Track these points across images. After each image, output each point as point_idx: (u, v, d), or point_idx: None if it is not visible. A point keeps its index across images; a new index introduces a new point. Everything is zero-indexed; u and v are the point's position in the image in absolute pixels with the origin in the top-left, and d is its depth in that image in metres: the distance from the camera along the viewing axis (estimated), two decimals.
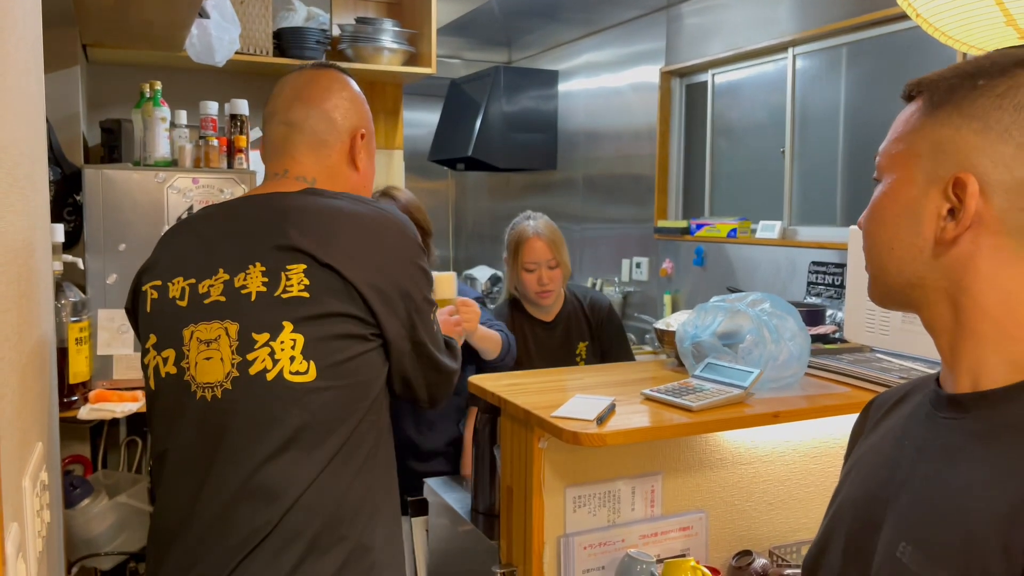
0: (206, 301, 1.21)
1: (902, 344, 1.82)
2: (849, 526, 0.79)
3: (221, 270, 1.22)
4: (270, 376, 1.18)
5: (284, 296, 1.19)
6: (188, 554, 1.18)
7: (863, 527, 0.77)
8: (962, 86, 0.73)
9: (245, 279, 1.21)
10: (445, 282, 1.79)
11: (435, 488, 1.97)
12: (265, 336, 1.18)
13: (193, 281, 1.23)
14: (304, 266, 1.20)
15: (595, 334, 2.54)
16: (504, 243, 2.62)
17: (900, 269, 0.76)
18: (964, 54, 2.46)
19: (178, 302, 1.23)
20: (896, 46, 2.93)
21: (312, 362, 1.18)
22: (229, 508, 1.17)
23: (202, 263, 1.24)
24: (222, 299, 1.21)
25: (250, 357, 1.18)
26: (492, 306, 2.66)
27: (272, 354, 1.18)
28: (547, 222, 2.55)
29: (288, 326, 1.18)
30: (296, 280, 1.20)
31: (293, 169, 1.34)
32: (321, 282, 1.20)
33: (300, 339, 1.18)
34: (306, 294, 1.19)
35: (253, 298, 1.19)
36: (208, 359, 1.19)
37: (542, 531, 1.53)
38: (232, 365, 1.18)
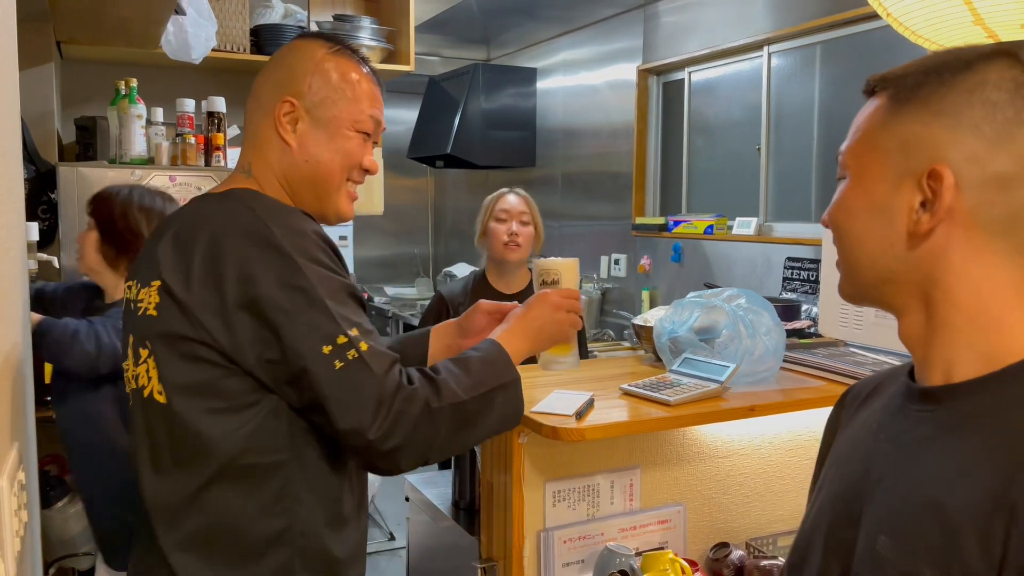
0: (132, 308, 1.17)
1: (875, 338, 1.85)
2: (829, 521, 0.80)
3: (135, 279, 1.17)
4: (145, 393, 1.12)
5: (148, 313, 1.11)
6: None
7: (842, 522, 0.77)
8: (927, 82, 0.73)
9: (141, 292, 1.15)
10: (567, 271, 1.40)
11: (415, 484, 1.98)
12: (143, 352, 1.13)
13: (132, 284, 1.19)
14: (159, 282, 1.10)
15: None
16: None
17: (872, 263, 0.76)
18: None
19: (130, 305, 1.19)
20: (869, 45, 2.97)
21: (163, 384, 1.10)
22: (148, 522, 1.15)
23: (137, 268, 1.19)
24: (132, 309, 1.16)
25: (139, 371, 1.14)
26: (442, 291, 2.64)
27: (148, 371, 1.12)
28: (526, 192, 2.63)
29: (149, 345, 1.11)
30: (150, 297, 1.11)
31: (241, 159, 1.24)
32: (164, 300, 1.09)
33: (153, 360, 1.11)
34: (154, 312, 1.10)
35: (140, 312, 1.13)
36: (135, 370, 1.16)
37: (522, 525, 1.54)
38: (133, 378, 1.15)
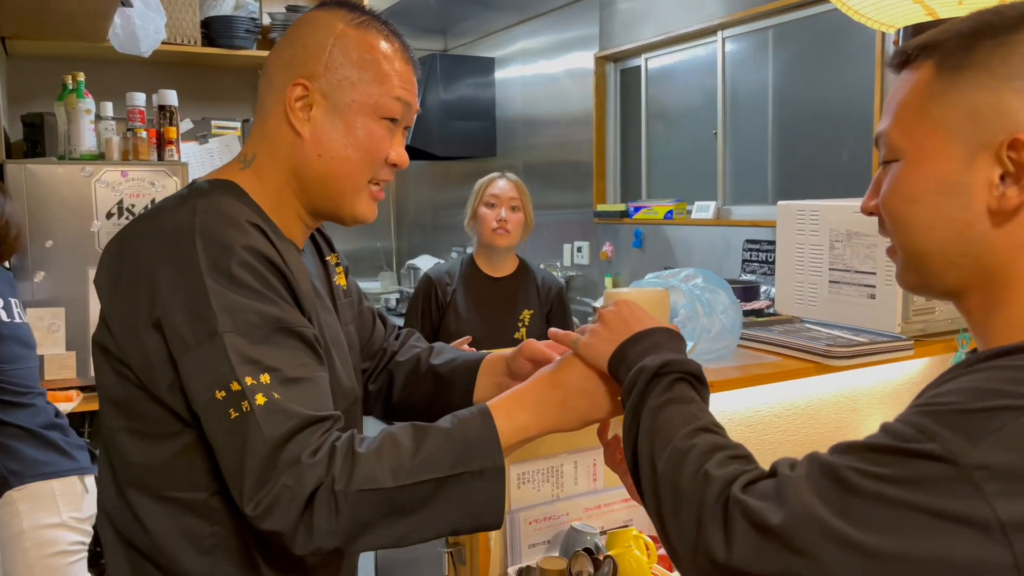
0: None
1: (828, 314, 1.88)
2: None
3: None
4: None
5: None
6: None
7: None
8: (980, 45, 0.68)
9: None
10: (656, 303, 1.15)
11: None
12: None
13: None
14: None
15: (543, 310, 2.57)
16: (450, 230, 2.65)
17: (943, 249, 0.71)
18: (883, 33, 2.55)
19: None
20: (819, 28, 3.01)
21: (99, 391, 1.01)
22: None
23: None
24: None
25: None
26: (432, 272, 2.62)
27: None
28: (517, 177, 2.62)
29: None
30: None
31: (245, 147, 1.08)
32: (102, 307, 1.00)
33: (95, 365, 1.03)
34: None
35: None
36: None
37: None
38: None
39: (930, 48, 0.71)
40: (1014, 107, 0.66)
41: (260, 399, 0.85)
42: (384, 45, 1.03)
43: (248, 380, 0.85)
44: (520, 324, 2.51)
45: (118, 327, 0.93)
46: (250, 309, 0.88)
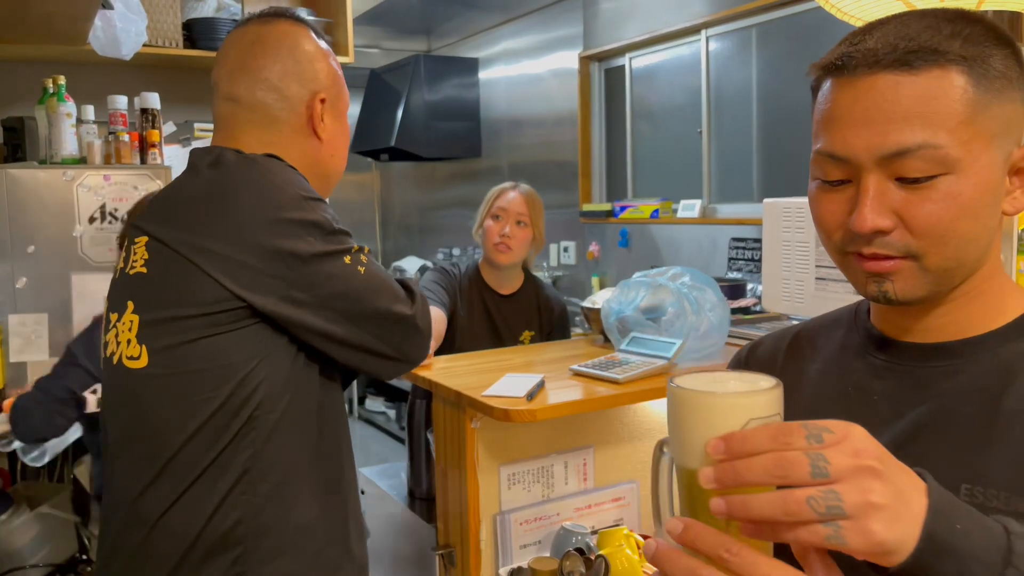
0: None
1: (815, 310, 1.89)
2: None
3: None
4: (115, 360, 1.08)
5: (131, 272, 1.08)
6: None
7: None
8: (995, 54, 0.69)
9: (120, 259, 1.15)
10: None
11: (371, 477, 1.97)
12: (114, 316, 1.09)
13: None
14: (146, 239, 1.08)
15: (543, 331, 2.44)
16: (436, 231, 2.51)
17: (977, 258, 0.71)
18: None
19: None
20: (802, 26, 3.03)
21: (144, 346, 1.04)
22: (109, 525, 1.10)
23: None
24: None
25: (107, 338, 1.11)
26: (447, 265, 2.44)
27: (117, 336, 1.08)
28: (532, 189, 2.41)
29: (130, 305, 1.07)
30: (140, 254, 1.08)
31: (248, 151, 1.16)
32: (160, 257, 1.06)
33: (136, 320, 1.06)
34: (144, 269, 1.06)
35: (116, 276, 1.13)
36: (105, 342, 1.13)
37: (478, 510, 1.55)
38: (103, 347, 1.12)
39: (943, 54, 0.67)
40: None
41: None
42: (333, 55, 1.25)
43: None
44: (520, 344, 2.38)
45: (215, 268, 1.04)
46: None
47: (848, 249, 0.72)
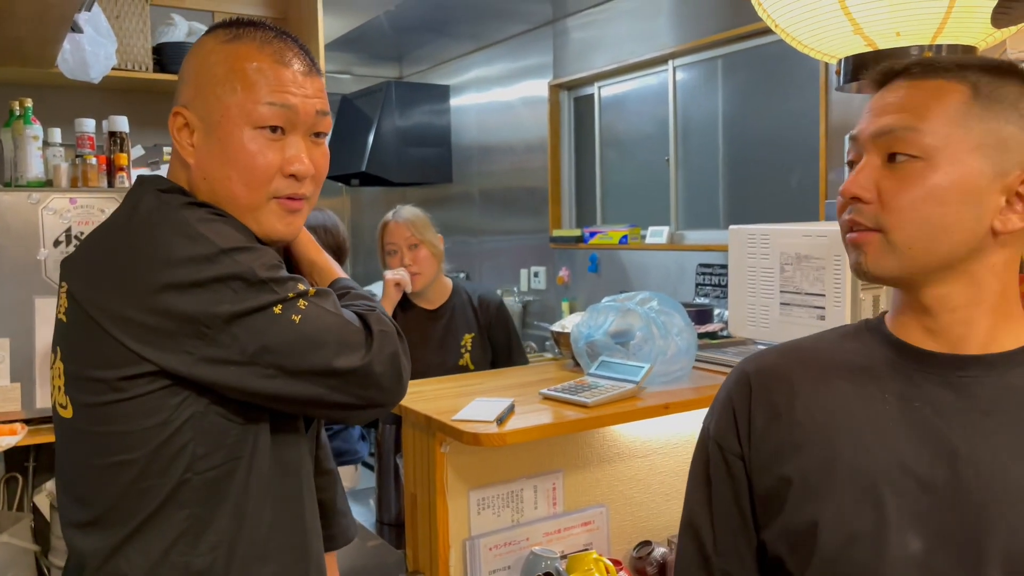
0: None
1: (780, 335, 1.92)
2: (905, 511, 0.75)
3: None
4: (52, 402, 1.02)
5: (59, 316, 1.00)
6: None
7: (935, 509, 0.75)
8: (1008, 84, 0.77)
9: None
10: None
11: None
12: (52, 356, 1.02)
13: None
14: (66, 285, 0.99)
15: (484, 329, 2.52)
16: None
17: (952, 251, 0.77)
18: (826, 64, 2.63)
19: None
20: (766, 57, 3.11)
21: (69, 398, 0.98)
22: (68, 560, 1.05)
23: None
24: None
25: (52, 375, 1.04)
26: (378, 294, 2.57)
27: (53, 379, 1.01)
28: (410, 208, 2.47)
29: (59, 351, 1.00)
30: (63, 301, 0.99)
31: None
32: (74, 309, 0.96)
33: (62, 368, 0.99)
34: (64, 319, 0.98)
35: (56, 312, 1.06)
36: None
37: (447, 535, 1.54)
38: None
39: (964, 69, 0.77)
40: None
41: None
42: (254, 53, 0.97)
43: None
44: (463, 350, 2.47)
45: (117, 329, 0.94)
46: None
47: (844, 217, 0.82)
